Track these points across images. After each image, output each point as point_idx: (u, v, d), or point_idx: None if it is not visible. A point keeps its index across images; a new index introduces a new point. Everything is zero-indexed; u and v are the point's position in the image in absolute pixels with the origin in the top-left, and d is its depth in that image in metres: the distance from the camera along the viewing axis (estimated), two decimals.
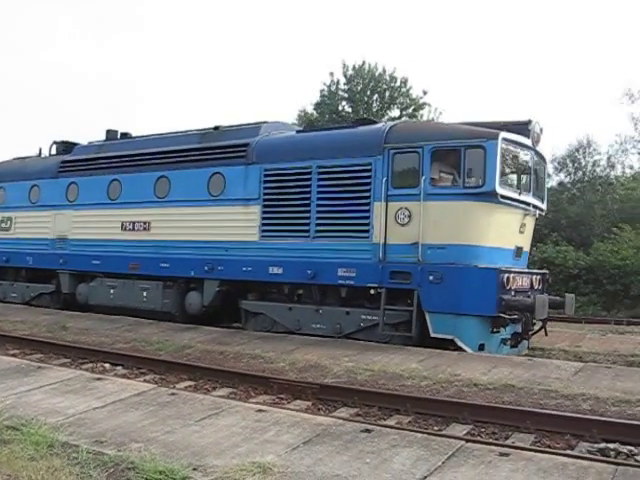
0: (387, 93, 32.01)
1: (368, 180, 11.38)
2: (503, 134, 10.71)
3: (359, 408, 7.47)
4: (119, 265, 14.60)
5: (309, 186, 12.02)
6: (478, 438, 6.11)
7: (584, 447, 5.93)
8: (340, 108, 32.25)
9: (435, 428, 6.65)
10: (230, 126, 14.05)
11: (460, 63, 61.17)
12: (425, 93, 32.11)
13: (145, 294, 14.14)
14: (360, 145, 11.66)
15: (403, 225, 10.97)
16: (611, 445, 5.79)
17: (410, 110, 32.26)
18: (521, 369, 8.93)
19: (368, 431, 5.45)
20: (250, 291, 13.01)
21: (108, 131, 16.53)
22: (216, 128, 14.07)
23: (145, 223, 14.32)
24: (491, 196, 10.57)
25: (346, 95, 32.40)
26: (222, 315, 13.78)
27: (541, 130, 11.81)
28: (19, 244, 17.02)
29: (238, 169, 12.94)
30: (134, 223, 14.51)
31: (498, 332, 10.79)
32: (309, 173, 12.03)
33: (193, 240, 13.45)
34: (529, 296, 10.95)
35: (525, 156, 11.65)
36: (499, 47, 64.19)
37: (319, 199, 11.91)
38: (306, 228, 12.00)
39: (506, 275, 10.58)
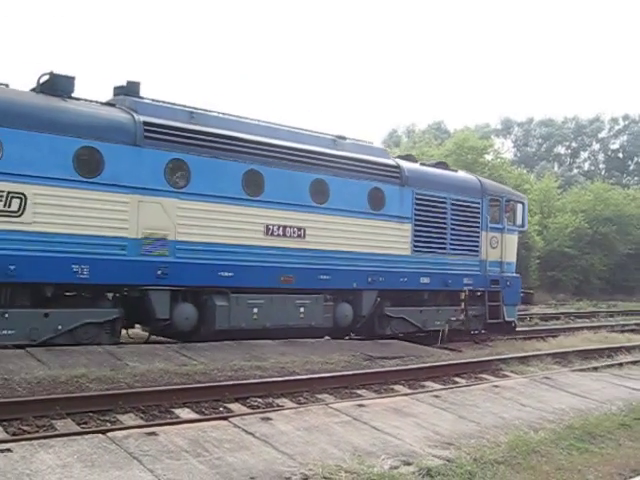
0: None
1: (478, 215, 16.29)
2: None
3: None
4: (265, 278, 12.33)
5: (445, 213, 15.55)
6: None
7: None
8: None
9: None
10: (358, 140, 14.95)
11: None
12: None
13: (302, 310, 12.97)
14: (473, 188, 16.40)
15: (494, 248, 16.55)
16: None
17: None
18: None
19: None
20: (387, 299, 14.62)
21: (129, 83, 12.09)
22: (342, 138, 14.39)
23: (299, 229, 12.97)
24: (522, 232, 19.35)
25: None
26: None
27: None
28: (44, 243, 10.25)
29: (394, 189, 14.59)
30: (284, 228, 12.74)
31: None
32: (445, 203, 15.54)
33: (354, 252, 13.76)
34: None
35: None
36: None
37: (452, 224, 15.63)
38: (444, 246, 15.51)
39: None
